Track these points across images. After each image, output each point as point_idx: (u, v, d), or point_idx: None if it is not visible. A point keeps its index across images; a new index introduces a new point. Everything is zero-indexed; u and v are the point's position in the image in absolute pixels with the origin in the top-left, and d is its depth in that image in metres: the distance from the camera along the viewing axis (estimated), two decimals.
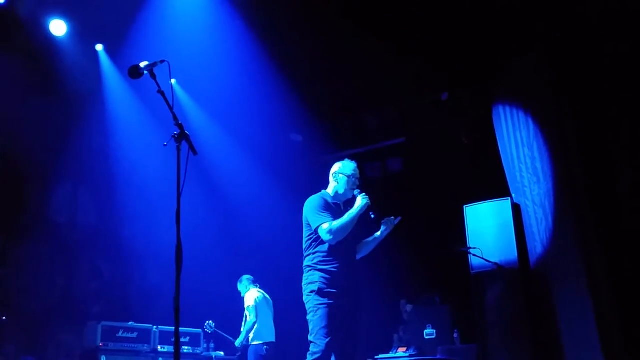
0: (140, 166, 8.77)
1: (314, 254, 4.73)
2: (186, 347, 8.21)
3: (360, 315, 4.82)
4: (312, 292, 4.61)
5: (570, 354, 6.83)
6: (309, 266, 4.73)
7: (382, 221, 4.97)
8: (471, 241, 7.66)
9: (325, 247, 4.70)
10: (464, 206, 7.93)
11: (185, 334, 8.24)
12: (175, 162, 3.54)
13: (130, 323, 7.72)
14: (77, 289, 8.19)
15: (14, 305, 6.84)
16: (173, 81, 3.75)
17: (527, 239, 7.52)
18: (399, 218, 5.06)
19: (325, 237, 4.63)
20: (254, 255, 9.46)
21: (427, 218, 8.89)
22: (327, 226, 4.62)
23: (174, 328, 3.35)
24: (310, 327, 4.60)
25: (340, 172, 5.02)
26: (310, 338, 4.56)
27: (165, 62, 3.65)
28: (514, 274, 7.31)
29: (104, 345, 7.29)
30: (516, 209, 7.66)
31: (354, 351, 4.73)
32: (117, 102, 8.83)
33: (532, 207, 7.46)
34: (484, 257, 7.00)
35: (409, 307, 8.94)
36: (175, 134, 3.57)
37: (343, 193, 4.97)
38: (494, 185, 8.02)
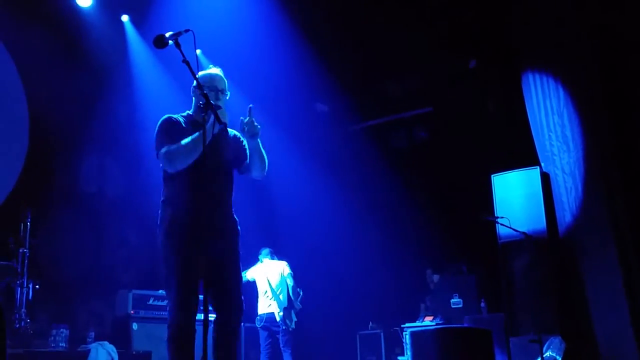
0: None
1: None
2: (214, 315, 8.29)
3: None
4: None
5: (598, 323, 6.80)
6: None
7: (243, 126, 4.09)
8: (499, 210, 7.60)
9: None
10: (492, 175, 7.87)
11: None
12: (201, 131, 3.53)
13: (160, 291, 7.81)
14: (107, 258, 8.30)
15: (45, 274, 6.96)
16: (198, 52, 3.71)
17: (555, 208, 7.45)
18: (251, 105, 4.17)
19: (163, 164, 3.95)
20: (279, 225, 9.50)
21: (455, 188, 8.85)
22: (162, 150, 3.89)
23: (202, 296, 3.38)
24: None
25: (195, 91, 4.09)
26: None
27: (190, 32, 3.62)
28: (541, 243, 7.27)
29: (135, 312, 7.40)
30: (545, 178, 7.57)
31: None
32: (142, 73, 8.84)
33: (562, 175, 7.37)
34: (512, 227, 6.95)
35: (435, 277, 8.94)
36: (200, 104, 3.56)
37: (195, 110, 4.15)
38: (522, 154, 7.92)
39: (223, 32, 8.15)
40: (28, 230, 6.60)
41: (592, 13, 6.94)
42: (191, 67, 3.54)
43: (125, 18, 8.67)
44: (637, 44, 6.54)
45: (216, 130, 3.78)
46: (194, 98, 4.16)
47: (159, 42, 3.58)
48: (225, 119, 3.80)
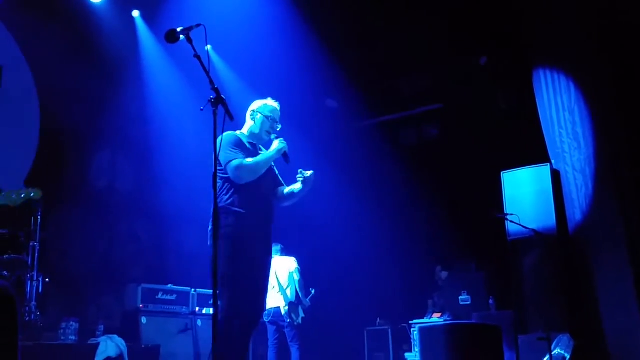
0: (176, 131, 8.83)
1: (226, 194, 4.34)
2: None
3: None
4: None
5: (607, 321, 6.78)
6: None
7: (303, 180, 4.53)
8: (508, 207, 7.58)
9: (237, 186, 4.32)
10: (502, 172, 7.85)
11: None
12: (211, 126, 3.54)
13: (169, 285, 7.85)
14: (117, 252, 8.34)
15: (55, 268, 7.00)
16: (209, 47, 3.72)
17: (565, 205, 7.42)
18: (312, 172, 4.57)
19: (233, 174, 4.27)
20: (287, 221, 9.51)
21: (464, 185, 8.83)
22: (237, 162, 4.25)
23: (211, 291, 3.39)
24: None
25: (258, 110, 4.66)
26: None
27: (202, 27, 3.63)
28: (551, 240, 7.24)
29: (144, 306, 7.44)
30: (555, 175, 7.54)
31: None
32: (153, 68, 8.88)
33: (572, 173, 7.34)
34: (521, 224, 6.93)
35: (444, 274, 8.93)
36: (211, 99, 3.57)
37: (258, 134, 4.63)
38: (532, 151, 7.90)
39: (234, 27, 8.16)
40: (39, 224, 6.64)
41: (604, 9, 6.90)
42: (202, 62, 3.55)
43: (136, 13, 8.71)
44: None
45: (280, 154, 4.47)
46: (253, 121, 4.66)
47: (171, 37, 3.59)
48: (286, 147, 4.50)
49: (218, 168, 4.08)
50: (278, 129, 4.69)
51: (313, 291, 8.34)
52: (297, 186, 4.61)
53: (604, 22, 6.95)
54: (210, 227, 4.15)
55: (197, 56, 3.53)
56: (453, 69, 9.40)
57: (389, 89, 10.18)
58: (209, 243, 4.22)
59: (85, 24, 8.02)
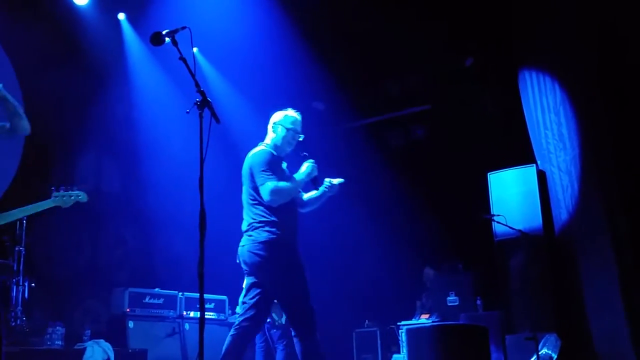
0: (163, 134, 8.80)
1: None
2: (211, 313, 8.32)
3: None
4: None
5: (594, 321, 6.82)
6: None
7: (328, 186, 4.78)
8: (495, 208, 7.62)
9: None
10: (488, 173, 7.88)
11: (210, 301, 8.34)
12: (197, 129, 3.53)
13: (156, 289, 7.82)
14: (103, 256, 8.29)
15: (41, 272, 6.95)
16: (195, 49, 3.72)
17: (552, 206, 7.47)
18: (342, 180, 4.84)
19: (267, 197, 4.41)
20: None
21: (451, 185, 8.85)
22: (271, 185, 4.40)
23: (198, 294, 3.38)
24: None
25: (283, 124, 4.75)
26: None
27: (187, 29, 3.63)
28: (538, 241, 7.28)
29: (131, 310, 7.40)
30: (541, 176, 7.59)
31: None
32: (139, 71, 8.84)
33: (558, 173, 7.39)
34: (508, 224, 6.96)
35: (432, 275, 8.95)
36: (197, 101, 3.56)
37: (280, 146, 4.73)
38: (518, 152, 7.94)
39: (220, 29, 8.15)
40: (24, 228, 6.59)
41: (589, 10, 6.94)
42: (188, 64, 3.55)
43: (121, 16, 8.67)
44: (634, 41, 6.55)
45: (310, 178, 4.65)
46: (275, 134, 4.74)
47: (156, 40, 3.59)
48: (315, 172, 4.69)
49: (249, 185, 4.52)
50: (300, 139, 4.79)
51: None
52: (314, 193, 4.78)
53: (589, 24, 6.99)
54: (243, 245, 4.51)
55: (183, 59, 3.53)
56: (440, 71, 9.43)
57: (376, 90, 10.19)
58: (238, 260, 4.63)
59: (71, 27, 7.97)
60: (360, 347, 9.16)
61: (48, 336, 6.26)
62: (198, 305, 3.30)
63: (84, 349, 6.16)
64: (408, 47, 8.55)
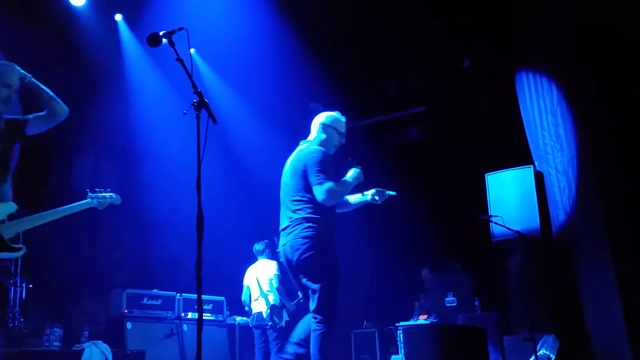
0: (160, 135, 8.80)
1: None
2: (209, 314, 8.32)
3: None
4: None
5: (592, 321, 6.82)
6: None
7: (374, 194, 4.93)
8: (493, 209, 7.62)
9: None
10: (486, 174, 7.88)
11: (208, 302, 8.35)
12: (194, 130, 3.53)
13: (154, 290, 7.82)
14: (101, 258, 8.29)
15: (39, 273, 6.94)
16: (192, 50, 3.72)
17: (549, 206, 7.47)
18: (394, 193, 5.02)
19: (322, 196, 4.48)
20: (272, 223, 9.50)
21: (448, 187, 8.85)
22: (329, 186, 4.48)
23: (196, 295, 3.37)
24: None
25: (332, 125, 4.87)
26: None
27: (184, 30, 3.63)
28: (535, 241, 7.28)
29: (129, 312, 7.40)
30: (539, 177, 7.59)
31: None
32: (136, 72, 8.84)
33: (555, 174, 7.39)
34: (506, 225, 6.96)
35: (429, 276, 8.95)
36: (194, 102, 3.56)
37: (328, 147, 4.83)
38: (516, 153, 7.94)
39: (218, 30, 8.15)
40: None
41: (585, 10, 6.95)
42: (185, 65, 3.54)
43: (118, 17, 8.67)
44: (631, 42, 6.55)
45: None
46: (325, 134, 4.83)
47: (153, 41, 3.59)
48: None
49: (298, 181, 4.60)
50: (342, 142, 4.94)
51: (301, 295, 8.32)
52: (356, 197, 4.93)
53: (585, 24, 6.99)
54: (284, 243, 4.59)
55: (180, 60, 3.53)
56: (437, 72, 9.44)
57: (374, 91, 10.19)
58: (281, 259, 4.70)
59: (68, 28, 7.96)
60: (358, 348, 9.16)
61: (46, 337, 6.25)
62: (196, 307, 3.29)
63: (82, 350, 6.16)
64: (406, 48, 8.56)
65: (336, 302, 4.57)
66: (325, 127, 4.86)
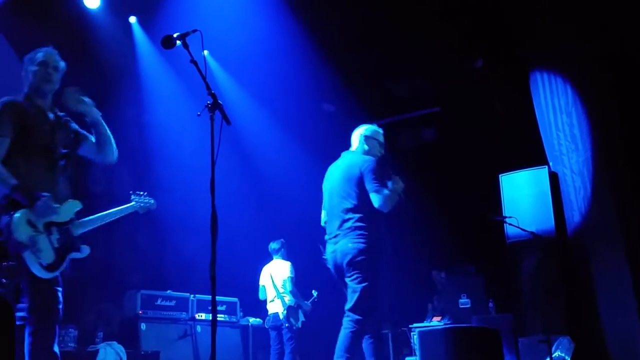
0: (174, 137, 8.83)
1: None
2: (223, 315, 8.33)
3: None
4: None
5: (607, 322, 6.77)
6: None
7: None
8: (507, 210, 7.58)
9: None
10: (500, 175, 7.85)
11: (222, 303, 8.36)
12: (208, 131, 3.53)
13: (168, 292, 7.85)
14: (115, 259, 8.32)
15: None
16: (205, 52, 3.74)
17: (564, 207, 7.42)
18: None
19: (380, 202, 4.67)
20: (285, 224, 9.51)
21: (462, 188, 8.82)
22: (385, 193, 4.67)
23: (210, 296, 3.38)
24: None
25: (374, 137, 5.10)
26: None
27: (198, 32, 3.64)
28: (550, 243, 7.24)
29: (143, 312, 7.43)
30: (553, 178, 7.54)
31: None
32: (150, 74, 8.88)
33: (570, 175, 7.34)
34: (520, 226, 6.92)
35: (443, 277, 8.92)
36: (208, 104, 3.57)
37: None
38: (530, 153, 7.90)
39: (231, 32, 8.17)
40: None
41: (600, 10, 6.90)
42: (199, 67, 3.56)
43: (133, 19, 8.70)
44: None
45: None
46: (368, 146, 5.05)
47: (167, 43, 3.61)
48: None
49: (352, 189, 4.77)
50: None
51: (315, 293, 8.34)
52: None
53: (601, 24, 6.95)
54: (337, 244, 4.73)
55: (194, 61, 3.55)
56: (450, 72, 9.40)
57: (386, 92, 10.17)
58: (324, 256, 4.91)
59: (82, 30, 8.00)
60: None
61: (61, 338, 6.28)
62: (210, 307, 3.30)
63: (97, 351, 6.19)
64: (418, 49, 8.54)
65: (377, 304, 4.71)
66: (367, 138, 5.10)
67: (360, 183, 4.75)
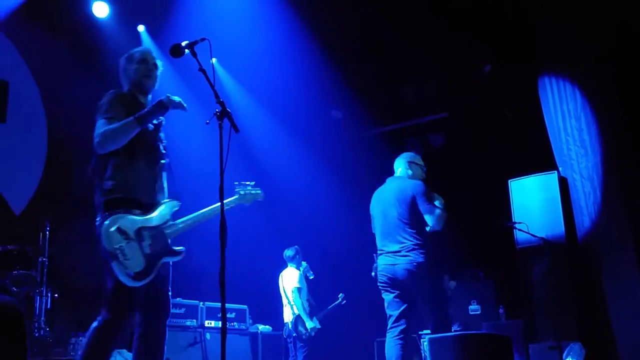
0: (183, 144, 8.84)
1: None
2: (232, 323, 8.32)
3: None
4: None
5: (618, 329, 6.73)
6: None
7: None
8: (517, 216, 7.55)
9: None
10: (509, 180, 7.82)
11: (231, 310, 8.34)
12: (217, 139, 3.54)
13: (177, 299, 7.84)
14: None
15: (64, 283, 7.00)
16: (214, 60, 3.74)
17: (574, 212, 7.38)
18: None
19: (435, 222, 5.16)
20: (294, 231, 9.51)
21: (472, 193, 8.79)
22: (439, 213, 5.15)
23: (220, 304, 3.38)
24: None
25: (415, 162, 5.58)
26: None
27: (206, 40, 3.65)
28: (560, 248, 7.20)
29: None
30: (563, 183, 7.51)
31: None
32: (159, 82, 8.88)
33: (580, 180, 7.31)
34: (530, 232, 6.89)
35: (452, 284, 8.88)
36: (217, 112, 3.58)
37: None
38: (539, 158, 7.87)
39: (239, 40, 8.19)
40: (47, 239, 6.65)
41: (608, 16, 6.89)
42: (207, 75, 3.56)
43: (141, 28, 8.74)
44: None
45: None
46: (410, 171, 5.52)
47: (175, 51, 3.62)
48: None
49: (405, 209, 5.21)
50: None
51: (341, 296, 8.43)
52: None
53: (609, 29, 6.93)
54: (396, 263, 5.15)
55: (202, 70, 3.55)
56: (458, 78, 9.39)
57: (394, 98, 10.17)
58: (373, 273, 5.53)
59: (91, 39, 8.05)
60: (381, 356, 9.10)
61: (71, 346, 6.30)
62: (219, 315, 3.30)
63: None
64: (426, 54, 8.54)
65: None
66: (410, 164, 5.54)
67: (412, 205, 5.17)
